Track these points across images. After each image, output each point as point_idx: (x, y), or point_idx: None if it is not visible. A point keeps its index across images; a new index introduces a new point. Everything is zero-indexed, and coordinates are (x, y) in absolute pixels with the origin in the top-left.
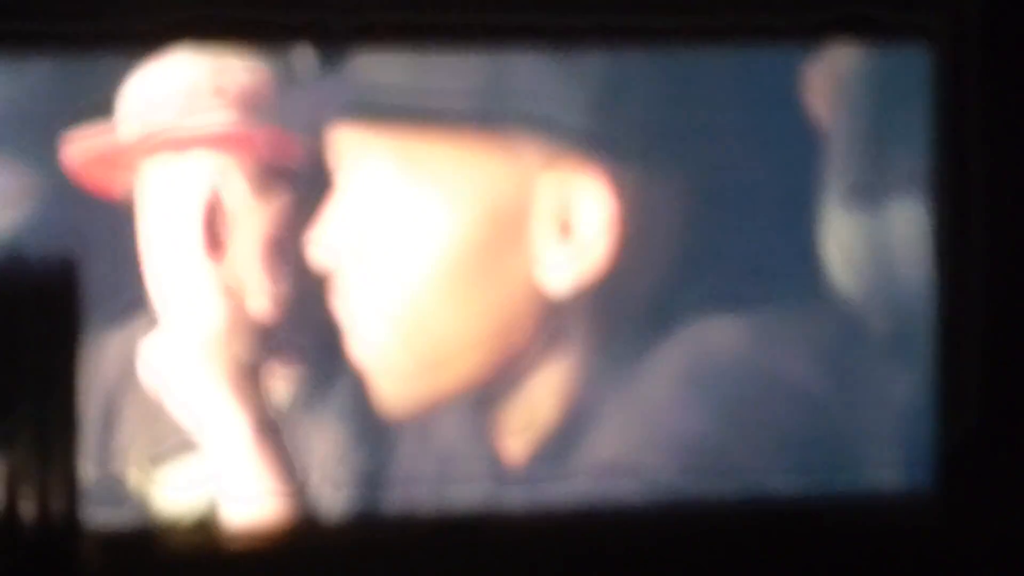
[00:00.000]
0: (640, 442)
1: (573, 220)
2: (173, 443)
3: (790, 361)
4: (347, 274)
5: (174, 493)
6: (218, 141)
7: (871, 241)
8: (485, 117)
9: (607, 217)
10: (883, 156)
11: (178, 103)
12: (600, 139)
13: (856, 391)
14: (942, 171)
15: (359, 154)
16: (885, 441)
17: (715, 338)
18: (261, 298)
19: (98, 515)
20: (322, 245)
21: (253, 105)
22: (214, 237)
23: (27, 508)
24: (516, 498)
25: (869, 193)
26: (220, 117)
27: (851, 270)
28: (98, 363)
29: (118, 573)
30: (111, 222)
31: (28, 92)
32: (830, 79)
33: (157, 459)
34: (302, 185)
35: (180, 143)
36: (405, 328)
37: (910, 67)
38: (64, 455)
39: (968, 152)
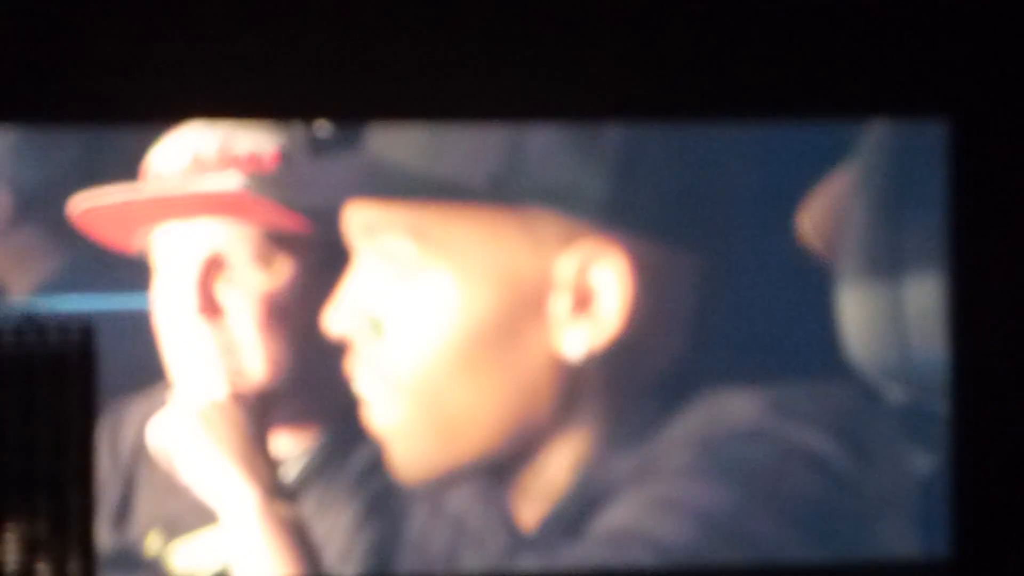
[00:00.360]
0: (655, 511)
1: (591, 294)
2: (189, 514)
3: (806, 432)
4: (363, 345)
5: (190, 562)
6: (224, 205)
7: (887, 313)
8: (502, 193)
9: (625, 290)
10: (900, 229)
11: (188, 168)
12: (618, 213)
13: (872, 461)
14: (959, 244)
15: (375, 228)
16: (902, 509)
17: (730, 409)
18: (259, 362)
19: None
20: (338, 315)
21: (263, 174)
22: (210, 297)
23: (44, 572)
24: (529, 564)
25: (886, 266)
26: (229, 182)
27: (867, 342)
28: (117, 431)
29: None
30: (130, 288)
31: (56, 166)
32: (829, 204)
33: (173, 529)
34: (308, 255)
35: (187, 204)
36: (422, 399)
37: (928, 141)
38: (81, 521)
39: (985, 225)
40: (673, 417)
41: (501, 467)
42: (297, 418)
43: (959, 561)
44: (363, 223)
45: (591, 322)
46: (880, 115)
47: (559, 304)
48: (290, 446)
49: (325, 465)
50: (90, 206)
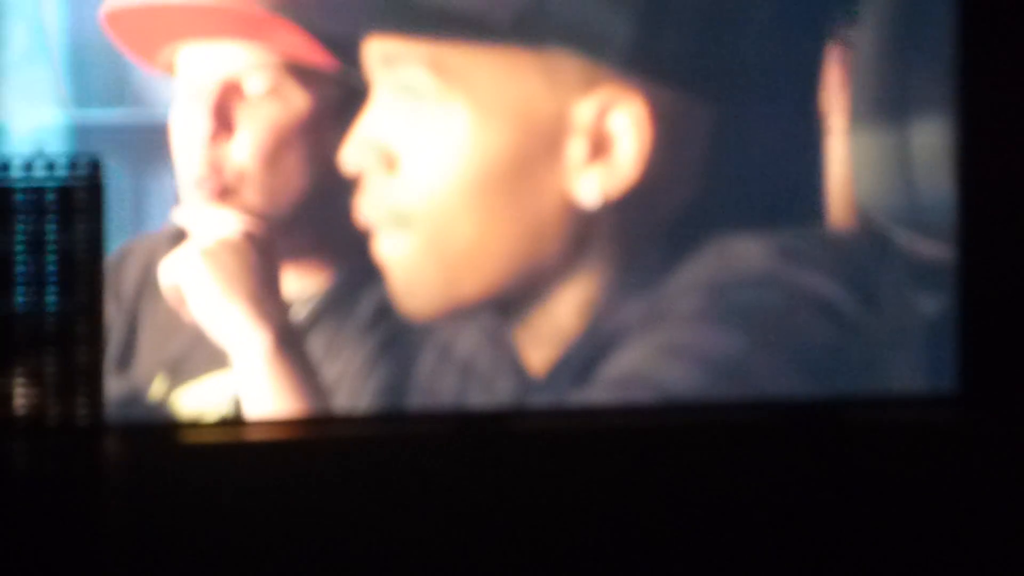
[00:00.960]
0: (663, 356)
1: (609, 140)
2: (194, 356)
3: (814, 277)
4: (376, 179)
5: (197, 404)
6: (251, 25)
7: (895, 156)
8: (526, 32)
9: (643, 138)
10: (907, 73)
11: None
12: (639, 60)
13: (880, 304)
14: (966, 86)
15: (395, 59)
16: (910, 349)
17: (740, 255)
18: (267, 194)
19: (121, 416)
20: (353, 149)
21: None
22: (224, 119)
23: (55, 409)
24: (537, 405)
25: (893, 109)
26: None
27: (875, 186)
28: (120, 271)
29: (140, 466)
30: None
31: None
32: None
33: (179, 372)
34: (326, 92)
35: (215, 20)
36: (431, 233)
37: None
38: (90, 352)
39: (991, 66)
40: (683, 263)
41: (509, 306)
42: (307, 258)
43: (965, 396)
44: (383, 54)
45: (607, 168)
46: None
47: (576, 148)
48: (300, 287)
49: (335, 307)
50: (120, 6)
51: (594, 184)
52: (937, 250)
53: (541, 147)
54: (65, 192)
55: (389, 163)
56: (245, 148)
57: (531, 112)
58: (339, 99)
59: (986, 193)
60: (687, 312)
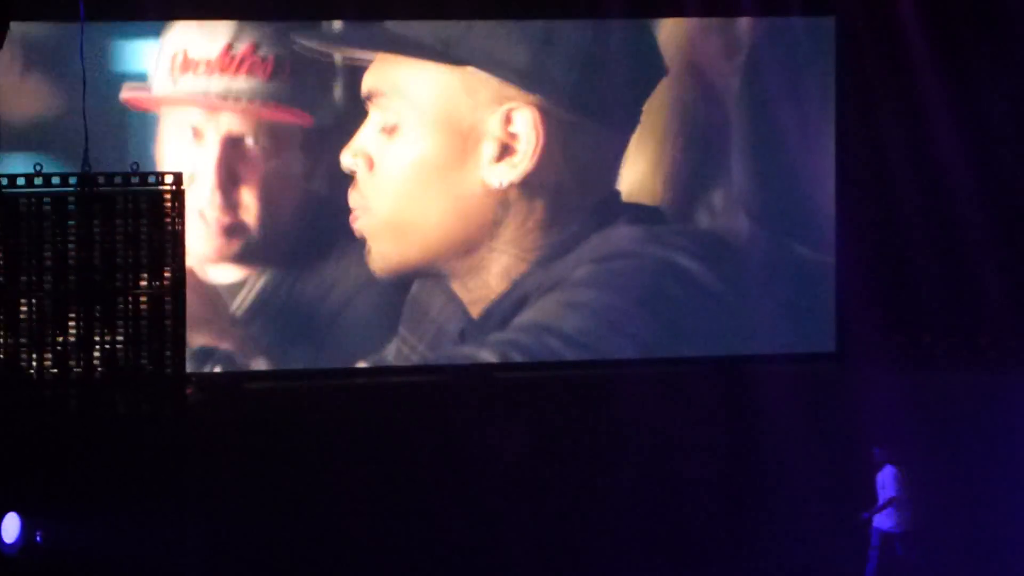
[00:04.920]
0: (563, 310)
1: (511, 141)
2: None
3: (682, 255)
4: (361, 176)
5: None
6: (244, 111)
7: (773, 181)
8: (455, 60)
9: (536, 140)
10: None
11: (201, 67)
12: (535, 83)
13: (754, 276)
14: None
15: (384, 89)
16: (791, 313)
17: (618, 237)
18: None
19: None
20: (349, 156)
21: (271, 76)
22: (231, 174)
23: (149, 363)
24: (474, 343)
25: (771, 139)
26: (246, 88)
27: (751, 204)
28: None
29: (214, 409)
30: None
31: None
32: (733, 47)
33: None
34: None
35: (208, 106)
36: (392, 214)
37: (817, 35)
38: (174, 325)
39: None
40: (579, 242)
41: (451, 270)
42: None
43: (840, 354)
44: (367, 88)
45: (511, 163)
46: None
47: (487, 148)
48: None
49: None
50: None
51: (501, 175)
52: (812, 246)
53: (464, 147)
54: (155, 196)
55: (368, 164)
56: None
57: (459, 121)
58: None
59: (857, 199)
60: (581, 278)
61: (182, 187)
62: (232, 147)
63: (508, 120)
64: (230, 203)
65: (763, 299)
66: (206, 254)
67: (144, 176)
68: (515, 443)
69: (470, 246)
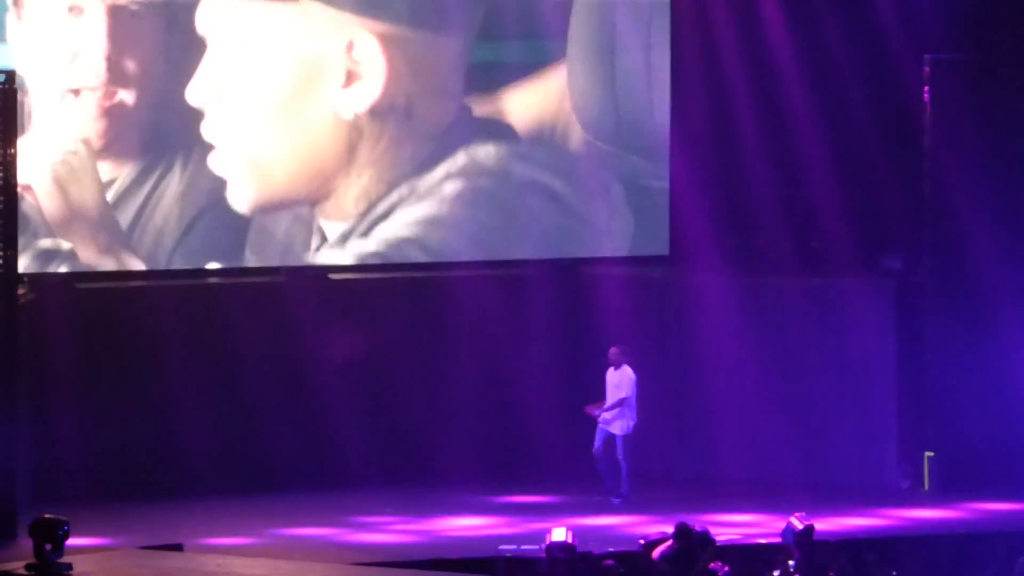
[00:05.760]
0: (426, 225)
1: (356, 68)
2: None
3: (541, 172)
4: (212, 112)
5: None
6: None
7: (611, 87)
8: None
9: (380, 66)
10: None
11: None
12: (374, 9)
13: (596, 191)
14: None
15: (224, 22)
16: (628, 221)
17: (483, 156)
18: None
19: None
20: (194, 90)
21: None
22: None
23: None
24: (329, 257)
25: (608, 50)
26: None
27: (592, 109)
28: None
29: (47, 309)
30: None
31: None
32: None
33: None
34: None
35: None
36: (248, 152)
37: None
38: (6, 229)
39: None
40: (442, 161)
41: (309, 200)
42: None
43: (672, 257)
44: (213, 17)
45: (357, 90)
46: None
47: (333, 77)
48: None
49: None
50: None
51: (350, 103)
52: (647, 153)
53: (309, 78)
54: None
55: (219, 100)
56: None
57: (302, 52)
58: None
59: (690, 106)
60: (445, 195)
61: (14, 86)
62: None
63: (350, 47)
64: (115, 80)
65: (599, 204)
66: (87, 136)
67: None
68: (350, 344)
69: (327, 175)
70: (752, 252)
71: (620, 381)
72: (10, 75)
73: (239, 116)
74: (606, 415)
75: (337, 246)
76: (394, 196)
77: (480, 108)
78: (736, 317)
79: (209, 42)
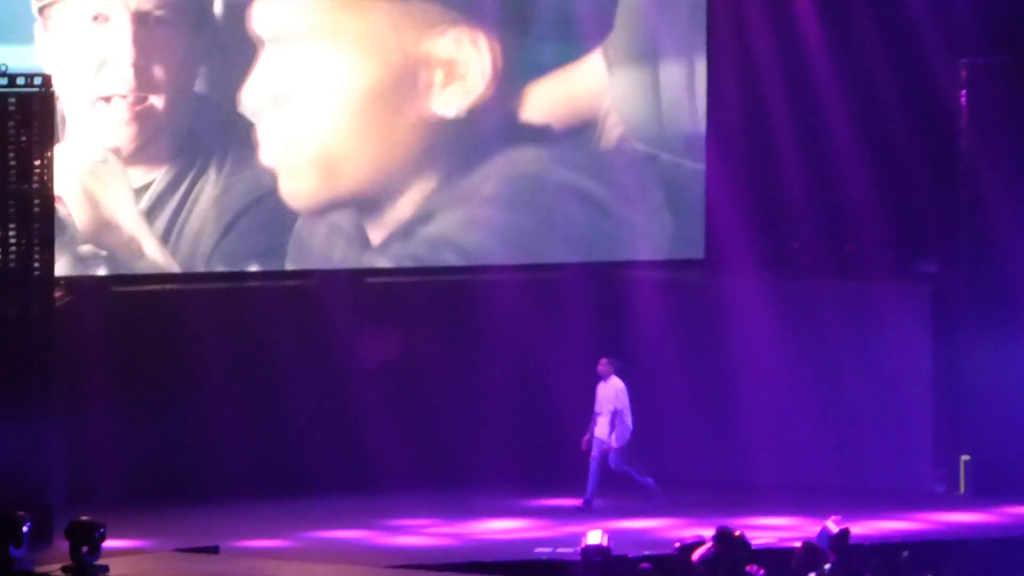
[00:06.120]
0: (466, 227)
1: (457, 69)
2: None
3: (578, 174)
4: (268, 115)
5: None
6: None
7: (650, 89)
8: None
9: (482, 66)
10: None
11: None
12: (479, 9)
13: (632, 195)
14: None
15: (281, 22)
16: (663, 224)
17: (521, 158)
18: None
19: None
20: (252, 92)
21: None
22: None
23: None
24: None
25: (647, 52)
26: None
27: (631, 111)
28: None
29: (84, 312)
30: None
31: None
32: None
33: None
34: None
35: None
36: (314, 152)
37: None
38: (41, 227)
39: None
40: (483, 163)
41: (367, 202)
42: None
43: (707, 260)
44: (268, 17)
45: (457, 89)
46: None
47: (435, 75)
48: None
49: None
50: None
51: (448, 101)
52: (683, 155)
53: (404, 77)
54: (24, 98)
55: (277, 102)
56: None
57: (395, 50)
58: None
59: (727, 109)
60: (485, 197)
61: (51, 88)
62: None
63: (454, 44)
64: (143, 85)
65: (636, 207)
66: (117, 145)
67: (12, 78)
68: (386, 347)
69: (396, 177)
70: (787, 256)
71: (608, 394)
72: (47, 79)
73: (300, 115)
74: (602, 433)
75: (378, 249)
76: (438, 198)
77: (518, 110)
78: (771, 321)
79: (266, 41)
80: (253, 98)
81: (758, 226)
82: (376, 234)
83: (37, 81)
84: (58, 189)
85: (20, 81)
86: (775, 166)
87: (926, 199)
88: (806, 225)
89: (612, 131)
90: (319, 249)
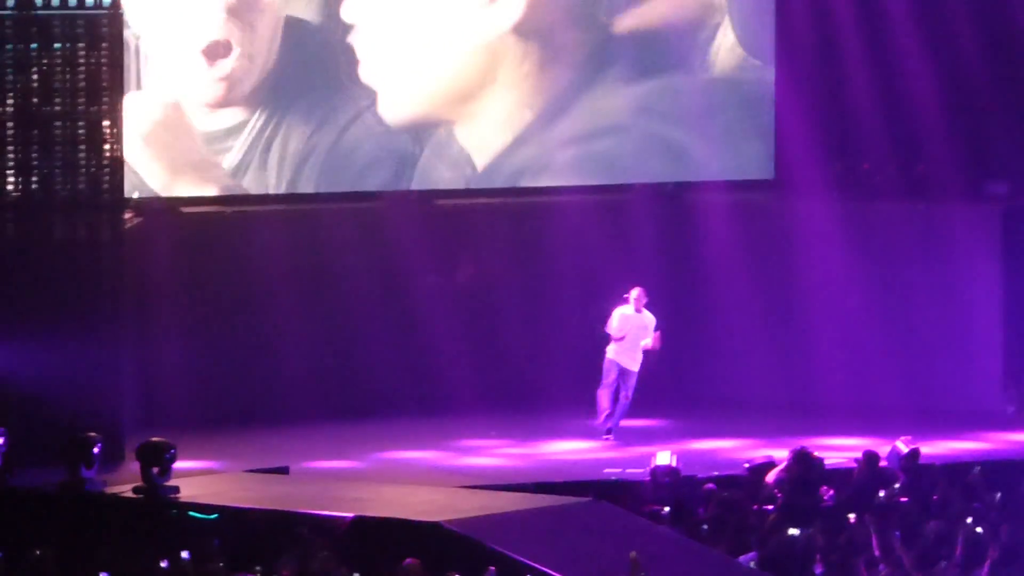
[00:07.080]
0: (563, 151)
1: None
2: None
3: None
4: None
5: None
6: None
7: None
8: None
9: None
10: None
11: None
12: None
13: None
14: None
15: None
16: (733, 144)
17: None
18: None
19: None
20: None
21: None
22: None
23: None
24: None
25: None
26: None
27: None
28: None
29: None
30: None
31: None
32: None
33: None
34: None
35: None
36: (401, 64)
37: None
38: (113, 153)
39: None
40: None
41: (454, 118)
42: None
43: (777, 181)
44: None
45: (500, 9)
46: None
47: None
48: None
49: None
50: None
51: (493, 22)
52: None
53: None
54: (93, 20)
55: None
56: None
57: None
58: None
59: (798, 28)
60: (582, 127)
61: (120, 10)
62: None
63: None
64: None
65: (705, 128)
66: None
67: None
68: (454, 268)
69: (468, 93)
70: (857, 177)
71: (645, 322)
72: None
73: (389, 34)
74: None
75: (462, 170)
76: (524, 121)
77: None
78: (840, 242)
79: None
80: (351, 13)
81: (828, 147)
82: (463, 156)
83: (106, 2)
84: (134, 119)
85: (89, 2)
86: (845, 87)
87: (997, 120)
88: (876, 146)
89: (688, 52)
90: (395, 169)
